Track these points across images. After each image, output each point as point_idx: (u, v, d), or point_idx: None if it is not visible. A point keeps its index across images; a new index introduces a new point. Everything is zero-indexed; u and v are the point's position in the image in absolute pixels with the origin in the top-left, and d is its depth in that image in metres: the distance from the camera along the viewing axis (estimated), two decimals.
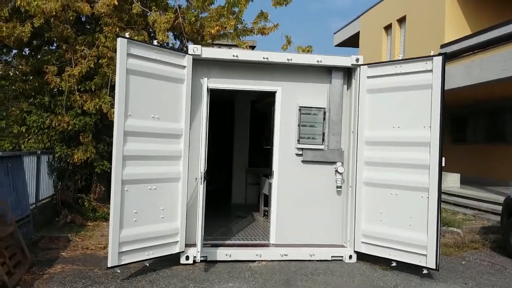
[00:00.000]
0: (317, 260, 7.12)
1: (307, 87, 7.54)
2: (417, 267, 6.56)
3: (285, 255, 7.07)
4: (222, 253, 6.85)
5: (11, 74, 10.70)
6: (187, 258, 6.71)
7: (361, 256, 7.17)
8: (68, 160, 10.19)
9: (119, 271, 6.02)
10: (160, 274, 6.24)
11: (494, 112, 15.72)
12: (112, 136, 11.54)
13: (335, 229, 7.52)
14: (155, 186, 6.34)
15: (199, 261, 6.30)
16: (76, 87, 9.27)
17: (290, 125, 7.50)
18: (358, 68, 7.29)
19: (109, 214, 10.30)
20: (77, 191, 10.86)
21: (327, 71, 7.56)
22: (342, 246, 7.42)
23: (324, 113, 7.53)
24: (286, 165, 7.47)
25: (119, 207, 5.87)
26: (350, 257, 7.17)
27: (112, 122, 11.08)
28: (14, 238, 6.28)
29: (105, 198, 11.39)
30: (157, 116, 6.40)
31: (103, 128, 10.71)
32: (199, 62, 6.99)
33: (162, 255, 6.46)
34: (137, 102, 6.12)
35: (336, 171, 7.47)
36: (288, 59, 7.22)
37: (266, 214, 9.87)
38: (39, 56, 11.42)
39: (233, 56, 7.05)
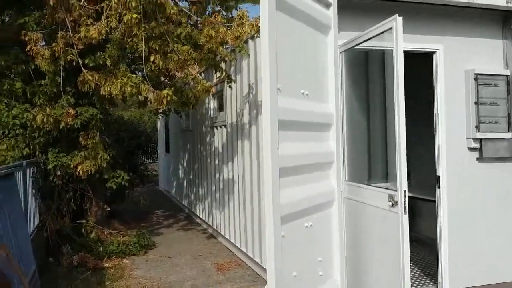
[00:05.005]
0: None
1: (474, 45, 4.90)
2: None
3: None
4: None
5: None
6: None
7: None
8: (62, 173, 6.91)
9: None
10: None
11: None
12: (110, 135, 8.58)
13: None
14: (311, 221, 3.40)
15: None
16: (80, 61, 5.94)
17: (457, 104, 4.81)
18: None
19: (125, 246, 7.29)
20: (70, 214, 7.61)
21: (499, 19, 4.96)
22: None
23: (508, 83, 4.90)
24: (455, 167, 4.77)
25: (280, 271, 2.85)
26: None
27: (110, 115, 7.98)
28: None
29: (104, 220, 8.16)
30: (306, 92, 3.45)
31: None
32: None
33: None
34: (284, 66, 3.12)
35: None
36: None
37: None
38: None
39: None
